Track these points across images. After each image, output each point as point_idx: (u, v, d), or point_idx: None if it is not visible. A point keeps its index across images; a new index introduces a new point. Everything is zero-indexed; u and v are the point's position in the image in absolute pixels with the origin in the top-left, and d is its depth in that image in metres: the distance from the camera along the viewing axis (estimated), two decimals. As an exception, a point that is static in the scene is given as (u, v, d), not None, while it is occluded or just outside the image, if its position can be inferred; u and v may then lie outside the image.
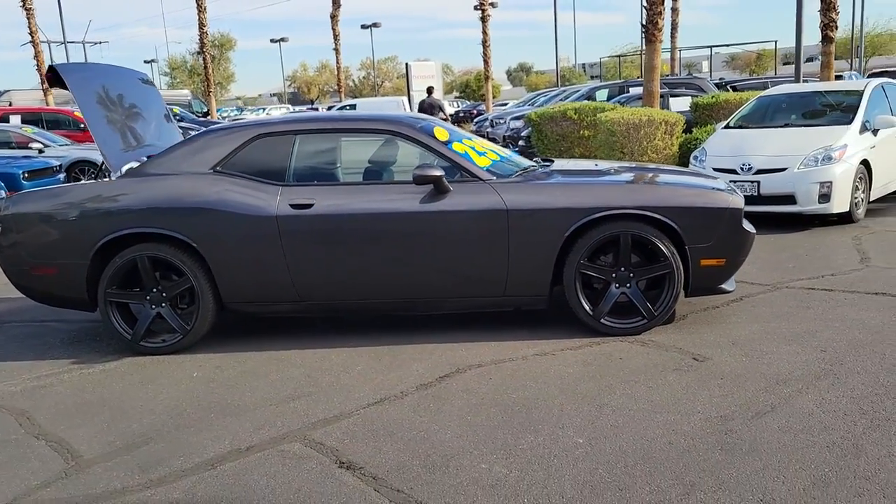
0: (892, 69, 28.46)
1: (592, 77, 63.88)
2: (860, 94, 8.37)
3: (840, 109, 8.42)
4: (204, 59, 34.71)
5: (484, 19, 32.14)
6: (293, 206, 4.55)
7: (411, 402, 3.77)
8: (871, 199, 8.05)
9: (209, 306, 4.70)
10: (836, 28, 17.11)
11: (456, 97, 60.99)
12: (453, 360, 4.33)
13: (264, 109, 53.29)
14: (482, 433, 3.36)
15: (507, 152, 5.34)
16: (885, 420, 3.24)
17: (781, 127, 8.41)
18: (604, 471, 2.96)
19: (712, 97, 12.18)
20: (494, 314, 5.05)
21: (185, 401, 3.97)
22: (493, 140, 17.74)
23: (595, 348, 4.39)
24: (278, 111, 47.46)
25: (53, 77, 4.95)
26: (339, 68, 41.94)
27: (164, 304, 4.74)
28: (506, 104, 32.01)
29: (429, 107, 16.48)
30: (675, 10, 28.38)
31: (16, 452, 3.46)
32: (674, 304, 4.56)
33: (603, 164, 5.57)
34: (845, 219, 7.63)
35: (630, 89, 17.17)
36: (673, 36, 28.98)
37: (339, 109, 33.39)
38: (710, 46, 35.64)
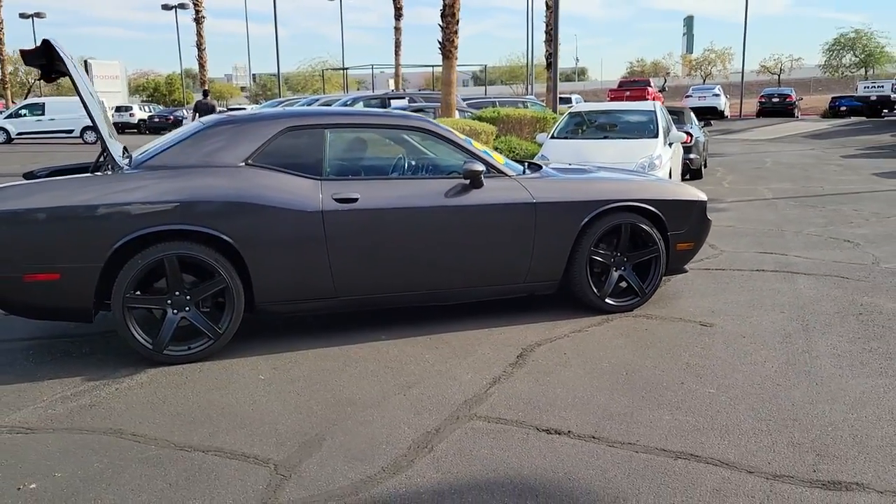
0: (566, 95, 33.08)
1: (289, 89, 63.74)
2: (653, 113, 10.07)
3: (640, 125, 10.05)
4: None
5: (199, 21, 30.81)
6: (338, 200, 4.52)
7: (523, 376, 4.06)
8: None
9: (241, 308, 4.45)
10: (557, 57, 19.69)
11: (143, 101, 57.06)
12: (509, 342, 4.66)
13: None
14: (625, 392, 3.80)
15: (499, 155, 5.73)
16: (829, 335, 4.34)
17: (602, 139, 9.79)
18: (760, 400, 3.60)
19: (495, 111, 13.45)
20: (490, 302, 5.38)
21: (298, 400, 3.81)
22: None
23: (614, 323, 5.01)
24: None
25: (38, 55, 4.26)
26: (2, 60, 37.06)
27: (188, 308, 4.37)
28: (243, 108, 30.82)
29: (204, 108, 16.15)
30: (397, 30, 30.00)
31: (184, 469, 3.12)
32: (659, 284, 5.36)
33: (578, 166, 6.20)
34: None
35: (392, 101, 17.98)
36: (397, 54, 30.59)
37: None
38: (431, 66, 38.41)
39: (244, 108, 33.78)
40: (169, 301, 4.33)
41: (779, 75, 59.14)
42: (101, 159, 4.93)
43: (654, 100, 33.92)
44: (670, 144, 9.71)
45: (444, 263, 4.79)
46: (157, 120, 44.56)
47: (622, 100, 35.44)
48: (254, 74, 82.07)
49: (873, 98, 31.37)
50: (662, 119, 10.02)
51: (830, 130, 27.32)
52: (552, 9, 19.20)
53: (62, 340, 4.84)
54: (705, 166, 14.94)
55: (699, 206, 5.43)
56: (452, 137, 4.95)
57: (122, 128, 38.69)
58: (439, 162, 4.98)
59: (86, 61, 50.25)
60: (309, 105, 19.94)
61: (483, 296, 5.07)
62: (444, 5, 12.71)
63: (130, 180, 4.27)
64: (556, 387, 3.91)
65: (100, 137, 4.38)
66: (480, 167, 4.75)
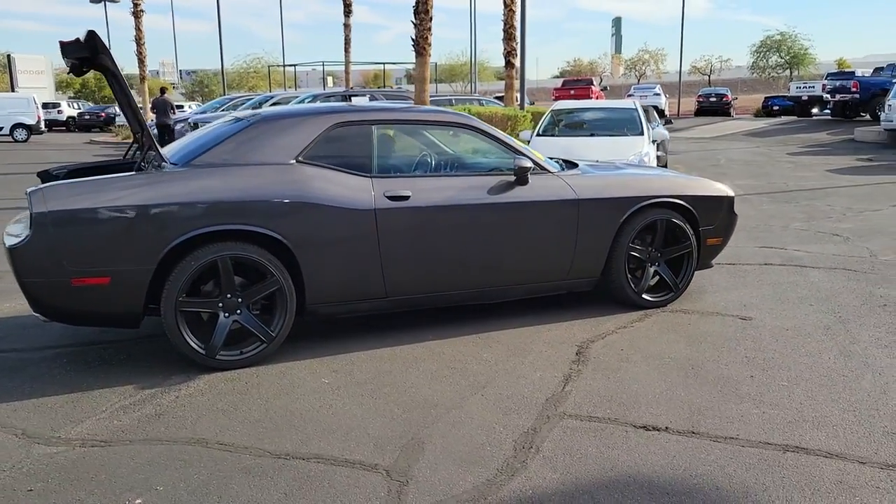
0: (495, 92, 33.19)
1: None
2: (634, 111, 10.22)
3: (624, 123, 10.19)
4: None
5: (137, 15, 29.86)
6: (390, 198, 4.43)
7: (593, 374, 4.05)
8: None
9: (294, 310, 4.32)
10: (517, 55, 19.82)
11: (71, 98, 54.96)
12: (560, 339, 4.64)
13: None
14: (700, 387, 3.83)
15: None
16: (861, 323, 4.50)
17: (590, 136, 9.89)
18: (834, 391, 3.68)
19: (465, 109, 13.44)
20: (515, 302, 5.35)
21: (374, 403, 3.70)
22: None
23: (655, 319, 5.05)
24: None
25: (80, 46, 4.03)
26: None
27: (239, 311, 4.22)
28: (182, 108, 29.62)
29: (162, 105, 15.85)
30: (347, 27, 29.64)
31: (292, 478, 3.00)
32: (691, 279, 5.43)
33: (607, 164, 6.20)
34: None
35: (353, 98, 17.77)
36: (347, 51, 30.21)
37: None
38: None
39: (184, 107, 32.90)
40: (220, 304, 4.17)
41: (709, 76, 60.94)
42: (136, 157, 4.71)
43: (598, 98, 34.57)
44: (654, 142, 9.87)
45: (491, 261, 4.75)
46: (87, 117, 43.07)
47: (568, 98, 35.93)
48: (181, 70, 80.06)
49: (805, 98, 32.51)
50: (644, 117, 10.17)
51: (768, 129, 28.21)
52: (510, 7, 19.30)
53: (94, 347, 4.61)
54: (666, 165, 15.25)
55: (728, 202, 5.52)
56: (496, 134, 4.91)
57: (49, 125, 37.24)
58: (482, 158, 4.93)
59: (9, 56, 48.13)
60: (262, 104, 19.52)
61: (526, 294, 5.04)
62: (417, 2, 12.62)
63: (182, 179, 4.09)
64: (629, 383, 3.92)
65: (144, 133, 4.17)
66: (529, 164, 4.73)
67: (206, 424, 3.49)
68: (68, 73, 4.82)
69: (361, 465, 3.08)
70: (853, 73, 33.82)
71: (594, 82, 39.53)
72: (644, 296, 5.25)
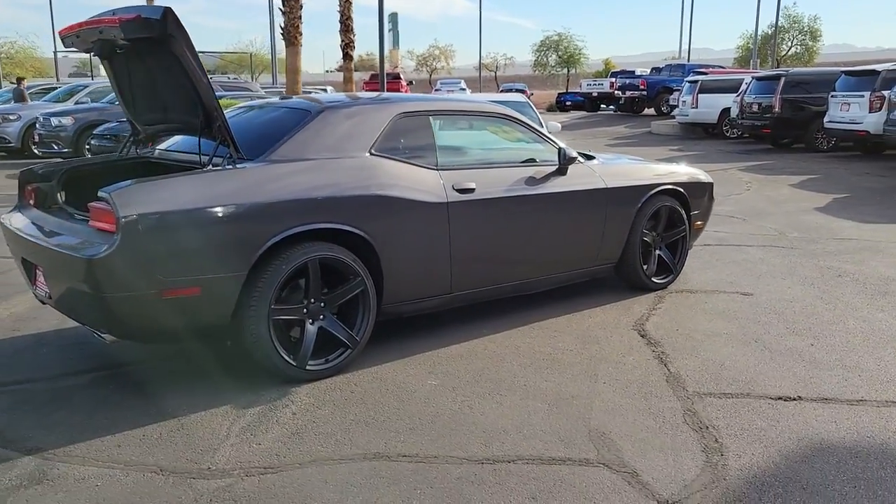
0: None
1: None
2: (528, 105, 10.57)
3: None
4: None
5: None
6: (459, 191, 4.33)
7: (679, 354, 4.22)
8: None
9: (375, 311, 4.10)
10: (354, 47, 19.63)
11: None
12: (608, 324, 4.78)
13: None
14: (782, 358, 4.14)
15: None
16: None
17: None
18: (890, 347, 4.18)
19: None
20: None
21: (507, 399, 3.62)
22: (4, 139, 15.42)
23: (670, 299, 5.34)
24: None
25: (148, 26, 3.49)
26: None
27: (322, 316, 3.92)
28: None
29: (19, 95, 15.37)
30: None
31: (524, 481, 2.87)
32: (685, 261, 5.80)
33: (611, 156, 6.34)
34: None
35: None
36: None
37: None
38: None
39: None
40: (305, 310, 3.84)
41: (495, 72, 63.97)
42: (132, 152, 4.19)
43: (406, 91, 35.00)
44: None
45: (539, 251, 4.79)
46: None
47: (376, 90, 36.04)
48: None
49: (595, 94, 35.23)
50: (536, 112, 10.54)
51: (570, 123, 30.15)
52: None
53: (130, 368, 4.06)
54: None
55: (710, 188, 5.96)
56: (533, 125, 4.95)
57: None
58: (523, 149, 4.93)
59: None
60: (71, 94, 17.70)
61: (561, 282, 5.12)
62: (286, -10, 12.09)
63: (268, 175, 3.72)
64: (716, 359, 4.14)
65: (220, 125, 3.72)
66: (576, 154, 4.82)
67: (362, 438, 3.23)
68: (91, 54, 4.09)
69: (574, 462, 3.02)
70: (633, 72, 37.19)
71: (402, 76, 40.04)
72: (653, 279, 5.53)
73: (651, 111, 30.89)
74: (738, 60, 53.83)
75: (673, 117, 24.48)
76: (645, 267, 5.45)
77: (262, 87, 23.47)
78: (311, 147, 3.93)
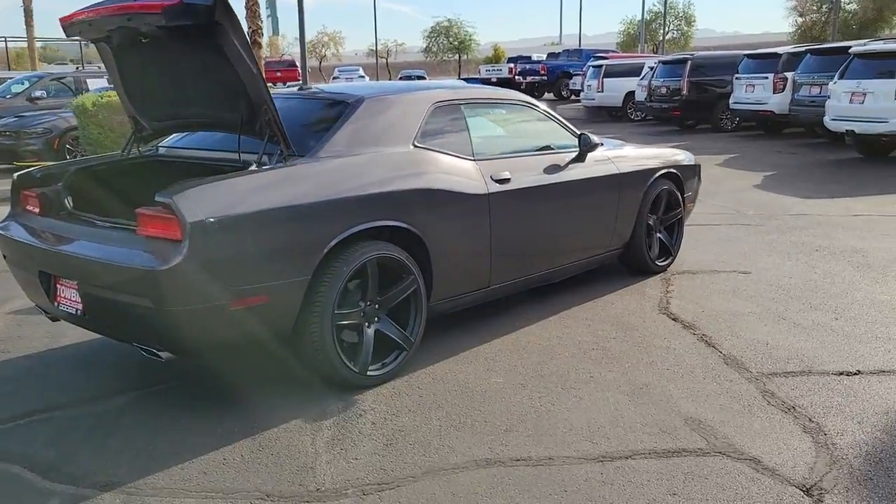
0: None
1: None
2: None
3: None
4: None
5: None
6: (497, 182, 4.22)
7: (721, 335, 4.27)
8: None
9: (426, 311, 3.94)
10: (262, 34, 18.93)
11: None
12: (636, 310, 4.79)
13: None
14: (816, 334, 4.27)
15: None
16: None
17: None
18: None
19: (101, 96, 12.29)
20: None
21: (585, 392, 3.56)
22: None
23: (676, 281, 5.40)
24: None
25: (195, 13, 3.16)
26: None
27: (377, 319, 3.73)
28: None
29: None
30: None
31: (660, 475, 2.81)
32: (681, 242, 5.89)
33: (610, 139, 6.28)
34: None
35: (88, 81, 15.63)
36: (29, 24, 25.83)
37: None
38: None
39: None
40: (363, 314, 3.64)
41: (387, 58, 63.41)
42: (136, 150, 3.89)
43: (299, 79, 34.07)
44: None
45: (566, 239, 4.77)
46: None
47: (275, 80, 35.10)
48: None
49: (494, 80, 35.57)
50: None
51: (474, 108, 30.44)
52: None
53: (161, 388, 3.74)
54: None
55: (699, 169, 6.07)
56: (552, 113, 4.89)
57: None
58: (546, 136, 4.84)
59: None
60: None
61: (580, 269, 5.09)
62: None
63: (323, 172, 3.50)
64: (756, 338, 4.21)
65: (275, 121, 3.44)
66: (598, 140, 4.78)
67: (460, 443, 3.09)
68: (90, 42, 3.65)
69: (690, 453, 2.99)
70: (529, 57, 37.80)
71: (296, 63, 39.01)
72: (657, 261, 5.59)
73: (551, 96, 31.46)
74: (620, 45, 55.56)
75: (574, 101, 25.02)
76: (649, 250, 5.50)
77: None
78: (358, 140, 3.72)
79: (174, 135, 4.38)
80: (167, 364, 3.72)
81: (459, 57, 59.05)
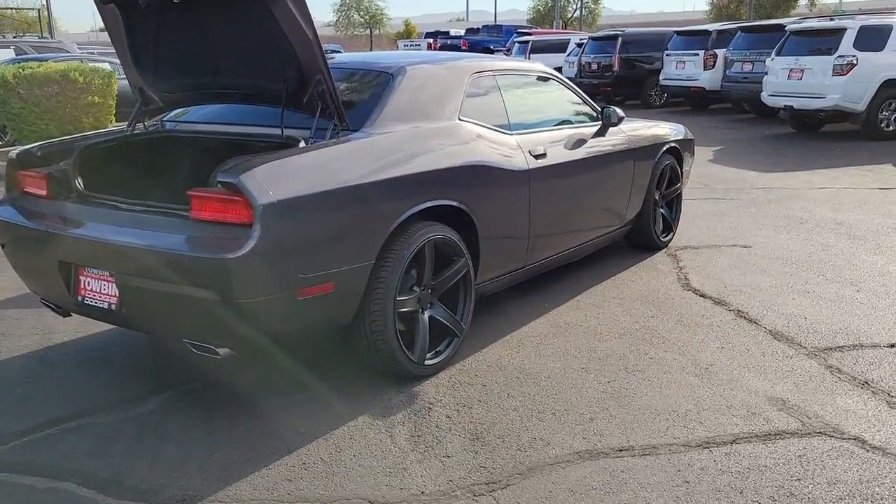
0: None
1: None
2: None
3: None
4: None
5: None
6: (535, 157, 4.03)
7: (753, 310, 4.23)
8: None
9: (474, 294, 3.73)
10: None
11: None
12: (658, 288, 4.72)
13: None
14: (847, 306, 4.30)
15: None
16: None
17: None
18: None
19: (21, 67, 11.64)
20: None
21: (661, 378, 3.44)
22: None
23: (682, 257, 5.37)
24: None
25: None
26: None
27: (430, 305, 3.50)
28: None
29: None
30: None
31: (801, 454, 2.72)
32: (680, 217, 5.86)
33: None
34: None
35: None
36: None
37: None
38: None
39: None
40: (418, 300, 3.41)
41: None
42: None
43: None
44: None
45: (592, 215, 4.65)
46: None
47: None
48: None
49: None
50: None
51: (395, 84, 30.04)
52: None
53: (189, 387, 3.40)
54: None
55: (693, 143, 6.05)
56: (573, 86, 4.73)
57: None
58: (566, 109, 4.67)
59: None
60: None
61: (598, 246, 4.97)
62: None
63: (381, 147, 3.23)
64: (797, 312, 4.20)
65: (330, 92, 3.12)
66: (622, 114, 4.66)
67: (551, 435, 2.92)
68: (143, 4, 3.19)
69: (791, 434, 2.91)
70: (447, 32, 37.50)
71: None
72: (661, 237, 5.54)
73: (472, 71, 31.34)
74: (531, 22, 55.91)
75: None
76: (654, 225, 5.44)
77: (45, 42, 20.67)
78: (407, 113, 3.45)
79: (178, 109, 3.98)
80: (188, 362, 3.41)
81: (371, 31, 58.18)
